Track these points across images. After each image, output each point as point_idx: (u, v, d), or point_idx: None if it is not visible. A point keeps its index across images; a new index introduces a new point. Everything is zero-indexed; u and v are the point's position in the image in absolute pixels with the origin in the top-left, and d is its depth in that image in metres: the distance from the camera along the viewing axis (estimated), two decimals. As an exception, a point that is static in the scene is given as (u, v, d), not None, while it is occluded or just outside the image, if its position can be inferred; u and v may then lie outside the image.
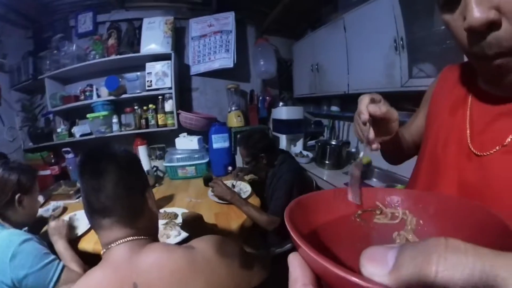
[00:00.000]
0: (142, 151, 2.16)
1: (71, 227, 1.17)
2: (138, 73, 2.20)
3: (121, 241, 0.59)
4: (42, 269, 0.87)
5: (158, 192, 1.74)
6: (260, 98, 2.58)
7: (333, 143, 2.17)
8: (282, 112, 2.40)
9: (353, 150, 2.19)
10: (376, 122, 0.51)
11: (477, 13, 0.34)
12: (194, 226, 1.04)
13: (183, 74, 2.45)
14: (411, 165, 0.68)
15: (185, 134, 2.18)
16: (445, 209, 0.27)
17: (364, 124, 0.50)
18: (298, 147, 2.48)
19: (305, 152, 2.38)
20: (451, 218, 0.26)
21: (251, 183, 1.75)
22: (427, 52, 1.40)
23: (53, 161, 2.18)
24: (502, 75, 0.40)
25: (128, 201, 0.62)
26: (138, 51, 2.19)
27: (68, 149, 2.08)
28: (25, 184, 1.02)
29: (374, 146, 0.51)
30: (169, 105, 2.24)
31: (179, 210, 1.31)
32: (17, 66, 2.25)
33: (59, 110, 2.27)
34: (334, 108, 2.36)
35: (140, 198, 0.66)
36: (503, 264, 0.11)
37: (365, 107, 0.49)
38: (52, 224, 1.09)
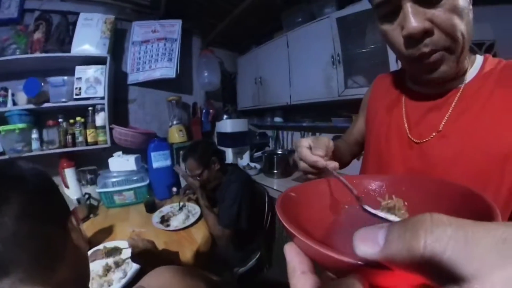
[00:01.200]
0: (69, 175, 1.77)
1: None
2: (65, 78, 1.81)
3: None
4: None
5: (93, 224, 1.50)
6: (204, 111, 2.48)
7: (279, 152, 2.24)
8: (227, 125, 2.36)
9: None
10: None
11: (414, 23, 0.43)
12: (146, 254, 0.91)
13: (119, 83, 2.16)
14: (355, 165, 0.81)
15: (119, 153, 1.91)
16: (420, 188, 0.30)
17: (324, 168, 0.50)
18: (245, 160, 2.45)
19: (252, 164, 2.36)
20: (429, 195, 0.29)
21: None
22: (359, 66, 1.62)
23: None
24: (434, 69, 0.48)
25: (39, 242, 0.41)
26: (69, 51, 1.84)
27: None
28: None
29: (335, 166, 0.52)
30: (100, 119, 1.91)
31: (121, 243, 1.10)
32: None
33: None
34: (278, 119, 2.45)
35: (60, 233, 0.45)
36: (482, 229, 0.12)
37: (315, 156, 0.50)
38: None
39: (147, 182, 1.82)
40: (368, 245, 0.14)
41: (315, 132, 2.22)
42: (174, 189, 1.89)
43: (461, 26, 0.44)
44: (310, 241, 0.17)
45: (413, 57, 0.48)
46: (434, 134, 0.53)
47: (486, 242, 0.12)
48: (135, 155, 1.89)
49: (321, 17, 1.71)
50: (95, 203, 1.79)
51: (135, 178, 1.81)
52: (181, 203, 1.55)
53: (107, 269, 0.95)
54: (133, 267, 0.95)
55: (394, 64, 1.26)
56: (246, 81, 2.59)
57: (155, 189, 1.86)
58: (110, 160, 1.86)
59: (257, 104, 2.45)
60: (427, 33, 0.44)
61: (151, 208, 1.62)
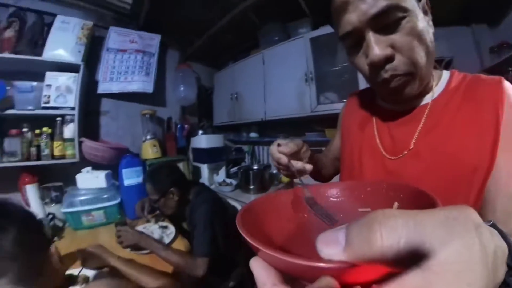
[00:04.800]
0: (31, 192, 1.61)
1: None
2: (34, 84, 1.69)
3: None
4: None
5: (58, 248, 1.36)
6: (179, 126, 2.46)
7: (255, 167, 2.25)
8: (202, 140, 2.35)
9: (275, 171, 2.29)
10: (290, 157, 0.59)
11: (376, 51, 0.46)
12: (95, 261, 1.00)
13: (92, 93, 2.07)
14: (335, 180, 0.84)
15: (89, 168, 1.80)
16: (376, 191, 0.33)
17: (287, 165, 0.56)
18: (221, 176, 2.43)
19: (228, 180, 2.35)
20: (384, 198, 0.31)
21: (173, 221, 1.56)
22: (330, 83, 1.73)
23: None
24: (398, 93, 0.52)
25: (27, 261, 0.59)
26: (41, 54, 1.72)
27: None
28: None
29: (307, 168, 0.56)
30: (69, 131, 1.79)
31: (90, 272, 1.02)
32: None
33: None
34: (253, 134, 2.50)
35: (41, 257, 0.64)
36: (426, 214, 0.14)
37: (278, 153, 0.56)
38: None
39: (118, 200, 1.72)
40: (331, 247, 0.15)
41: None
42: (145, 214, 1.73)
43: (420, 47, 0.47)
44: (276, 252, 0.17)
45: (378, 82, 0.51)
46: (405, 152, 0.55)
47: (432, 222, 0.14)
48: (106, 171, 1.79)
49: (296, 37, 1.83)
50: (60, 224, 1.63)
51: (105, 196, 1.69)
52: (155, 221, 1.49)
53: None
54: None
55: (363, 81, 1.35)
56: (222, 97, 2.63)
57: (127, 208, 1.75)
58: (78, 176, 1.74)
59: (233, 120, 2.48)
60: (388, 59, 0.47)
61: (122, 229, 1.52)
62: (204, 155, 2.35)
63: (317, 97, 1.72)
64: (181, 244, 1.31)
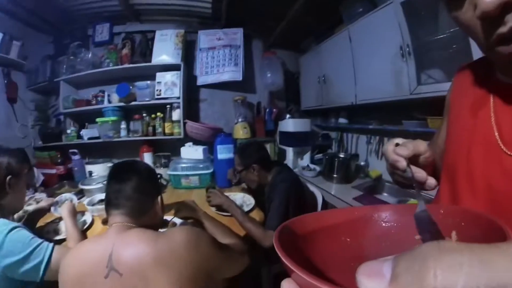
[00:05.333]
0: (147, 158, 2.21)
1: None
2: (148, 82, 2.26)
3: (117, 224, 0.76)
4: (32, 253, 0.87)
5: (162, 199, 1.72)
6: (267, 110, 2.58)
7: (341, 156, 2.12)
8: (289, 124, 2.39)
9: (362, 163, 2.12)
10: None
11: None
12: (187, 212, 1.20)
13: (192, 85, 2.50)
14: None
15: (190, 143, 2.17)
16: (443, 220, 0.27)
17: (404, 171, 0.45)
18: (305, 161, 2.43)
19: (312, 166, 2.32)
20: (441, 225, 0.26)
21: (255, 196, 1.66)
22: (434, 58, 1.39)
23: (59, 161, 2.25)
24: None
25: (138, 203, 0.80)
26: (150, 61, 2.27)
27: (75, 150, 2.15)
28: (14, 166, 1.02)
29: (429, 182, 0.46)
30: (176, 114, 2.26)
31: (178, 221, 1.25)
32: (36, 68, 2.37)
33: (71, 112, 2.37)
34: (342, 120, 2.32)
35: (150, 203, 0.85)
36: (496, 251, 0.11)
37: (395, 154, 0.46)
38: (65, 204, 1.19)
39: (211, 170, 1.99)
40: (373, 280, 0.13)
41: (382, 136, 2.02)
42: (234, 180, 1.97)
43: None
44: (310, 277, 0.15)
45: (494, 43, 0.36)
46: None
47: (505, 263, 0.11)
48: (203, 147, 2.11)
49: (384, 4, 1.50)
50: (164, 182, 2.07)
51: (201, 166, 2.00)
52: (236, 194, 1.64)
53: None
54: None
55: (478, 51, 1.01)
56: (309, 80, 2.54)
57: (218, 178, 2.00)
58: (182, 149, 2.13)
59: (321, 104, 2.37)
60: (508, 5, 0.32)
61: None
62: (290, 138, 2.39)
63: (417, 76, 1.37)
64: (256, 215, 1.40)
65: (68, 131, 2.34)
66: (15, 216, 1.16)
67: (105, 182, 1.16)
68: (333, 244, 0.29)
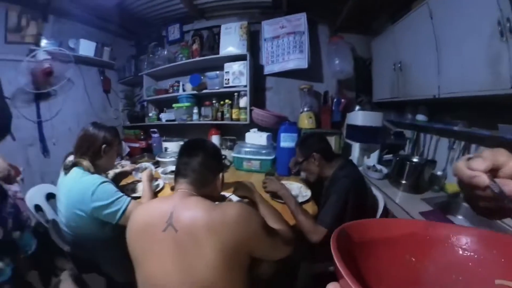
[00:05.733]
0: (215, 140, 2.46)
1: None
2: (218, 72, 2.47)
3: (182, 190, 0.89)
4: (113, 202, 1.17)
5: (223, 176, 1.91)
6: (335, 100, 2.43)
7: (415, 160, 1.81)
8: (358, 117, 2.17)
9: (439, 172, 1.76)
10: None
11: None
12: (244, 191, 1.30)
13: (258, 74, 2.59)
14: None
15: (255, 129, 2.28)
16: None
17: (486, 188, 0.33)
18: (372, 160, 2.22)
19: (379, 166, 2.09)
20: None
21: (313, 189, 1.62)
22: None
23: (142, 137, 2.87)
24: None
25: (201, 175, 0.93)
26: (218, 53, 2.48)
27: (155, 130, 2.65)
28: (108, 139, 1.35)
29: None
30: (243, 102, 2.40)
31: (235, 198, 1.39)
32: (123, 66, 3.11)
33: (152, 99, 2.94)
34: (420, 117, 1.96)
35: (212, 177, 0.98)
36: None
37: (469, 170, 0.34)
38: (145, 171, 1.51)
39: (272, 157, 2.06)
40: None
41: (469, 143, 1.64)
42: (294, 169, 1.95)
43: None
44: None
45: None
46: None
47: None
48: (267, 133, 2.20)
49: None
50: (227, 163, 2.24)
51: (263, 151, 2.10)
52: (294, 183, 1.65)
53: None
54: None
55: None
56: (382, 68, 2.20)
57: (278, 165, 2.03)
58: (247, 134, 2.26)
59: (396, 96, 2.03)
60: None
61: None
62: (358, 133, 2.18)
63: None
64: (310, 209, 1.37)
65: (150, 114, 2.92)
66: (108, 174, 1.58)
67: (176, 157, 1.48)
68: (393, 260, 0.26)
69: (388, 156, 2.20)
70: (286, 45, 2.44)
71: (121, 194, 1.22)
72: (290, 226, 1.12)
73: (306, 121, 2.32)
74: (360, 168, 1.98)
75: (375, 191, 1.67)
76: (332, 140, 2.14)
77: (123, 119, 3.23)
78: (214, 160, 1.00)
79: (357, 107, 2.32)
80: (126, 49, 3.16)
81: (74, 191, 1.20)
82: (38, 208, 1.58)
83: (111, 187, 1.22)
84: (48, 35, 2.34)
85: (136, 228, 0.85)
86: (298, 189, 1.60)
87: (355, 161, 2.13)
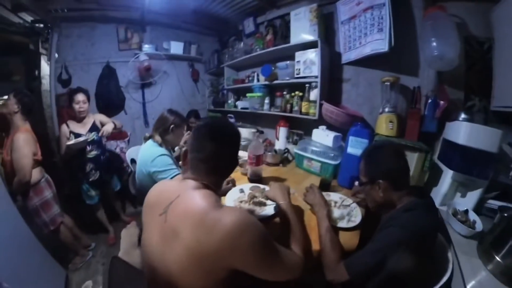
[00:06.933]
0: (282, 132, 2.46)
1: None
2: (288, 62, 2.35)
3: (192, 181, 0.89)
4: (165, 171, 1.61)
5: (277, 171, 2.01)
6: (430, 100, 1.68)
7: None
8: (461, 130, 1.40)
9: None
10: None
11: None
12: (275, 194, 1.22)
13: (334, 62, 2.24)
14: None
15: (324, 127, 2.10)
16: None
17: None
18: (466, 201, 1.44)
19: (472, 216, 1.33)
20: None
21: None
22: None
23: None
24: None
25: (217, 160, 0.91)
26: (289, 42, 2.36)
27: (231, 115, 3.14)
28: (176, 121, 1.78)
29: None
30: (314, 94, 2.19)
31: (268, 202, 1.39)
32: (208, 59, 3.87)
33: (231, 88, 3.36)
34: None
35: (229, 167, 1.00)
36: None
37: None
38: None
39: (336, 162, 1.83)
40: None
41: None
42: (357, 182, 1.45)
43: None
44: None
45: None
46: None
47: None
48: (336, 134, 1.97)
49: None
50: (289, 157, 2.24)
51: (328, 154, 1.92)
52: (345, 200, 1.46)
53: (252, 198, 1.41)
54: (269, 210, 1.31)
55: None
56: None
57: (340, 173, 1.78)
58: (314, 131, 2.12)
59: None
60: None
61: (325, 187, 1.60)
62: (457, 155, 1.44)
63: None
64: (351, 239, 1.18)
65: (229, 101, 3.40)
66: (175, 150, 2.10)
67: (245, 143, 2.02)
68: None
69: (495, 203, 1.40)
70: (363, 25, 1.94)
71: (174, 167, 1.63)
72: (308, 250, 1.04)
73: (384, 126, 1.77)
74: (442, 208, 1.44)
75: (451, 252, 1.16)
76: (413, 158, 1.57)
77: (208, 103, 4.09)
78: (228, 147, 0.95)
79: (463, 115, 1.56)
80: (210, 44, 3.87)
81: (143, 155, 1.70)
82: (133, 161, 2.37)
83: (167, 159, 1.64)
84: (148, 41, 3.34)
85: (147, 201, 0.97)
86: (346, 210, 1.37)
87: (439, 196, 1.50)
